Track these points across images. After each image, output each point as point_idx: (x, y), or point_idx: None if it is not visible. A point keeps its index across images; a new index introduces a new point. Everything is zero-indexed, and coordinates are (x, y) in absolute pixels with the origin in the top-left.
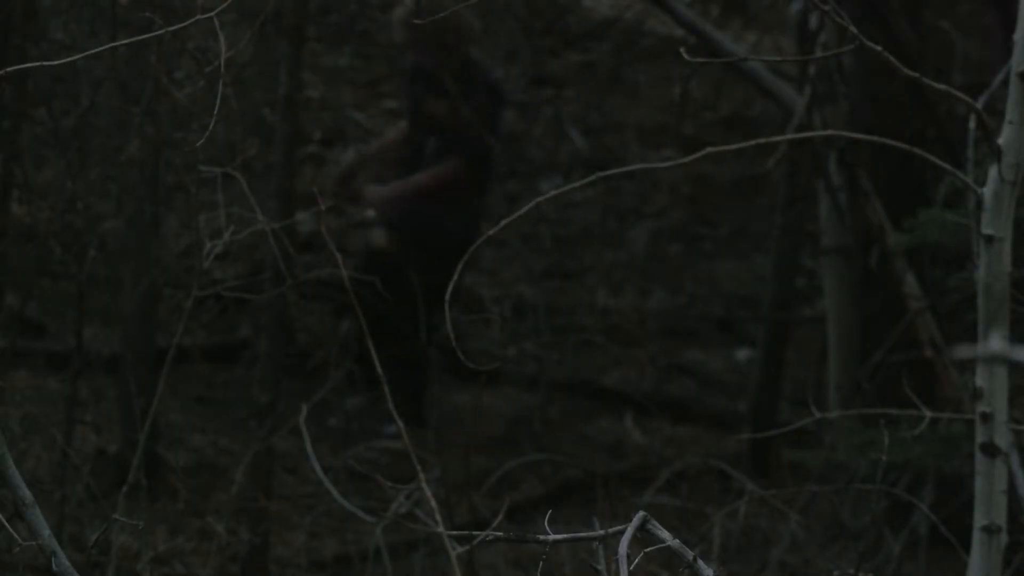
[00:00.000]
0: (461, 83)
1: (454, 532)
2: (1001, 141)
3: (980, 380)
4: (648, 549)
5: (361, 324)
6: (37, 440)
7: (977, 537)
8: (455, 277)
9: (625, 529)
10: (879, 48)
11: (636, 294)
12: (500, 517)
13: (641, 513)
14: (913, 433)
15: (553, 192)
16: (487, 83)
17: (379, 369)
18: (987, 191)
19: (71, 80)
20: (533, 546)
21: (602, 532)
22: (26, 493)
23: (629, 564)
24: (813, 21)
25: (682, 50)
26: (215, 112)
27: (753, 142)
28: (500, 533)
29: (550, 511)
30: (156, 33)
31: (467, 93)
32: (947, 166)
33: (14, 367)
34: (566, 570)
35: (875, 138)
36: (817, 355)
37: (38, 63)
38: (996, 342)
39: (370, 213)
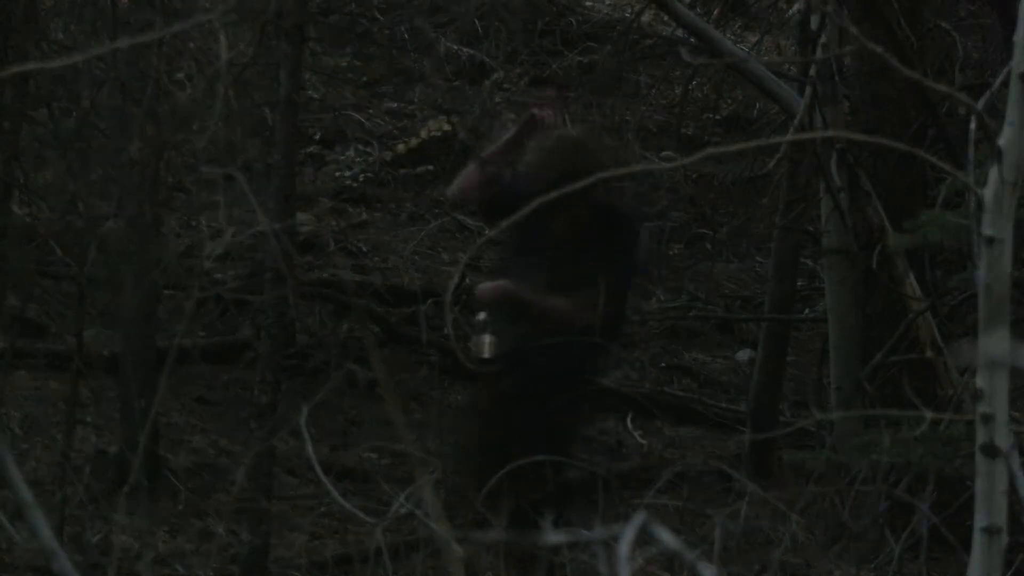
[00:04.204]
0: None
1: (455, 533)
2: (1001, 142)
3: (981, 381)
4: (649, 550)
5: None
6: (38, 441)
7: (978, 538)
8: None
9: (626, 530)
10: (879, 49)
11: (637, 295)
12: (501, 518)
13: (642, 514)
14: (914, 434)
15: (554, 194)
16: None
17: None
18: (987, 192)
19: (71, 80)
20: (534, 547)
21: (603, 533)
22: (27, 494)
23: (630, 565)
24: (814, 22)
25: (683, 51)
26: (216, 113)
27: (754, 143)
28: (501, 534)
29: (550, 512)
30: (157, 34)
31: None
32: (947, 167)
33: (14, 367)
34: (566, 571)
35: (876, 139)
36: (817, 356)
37: (38, 64)
38: (996, 344)
39: (482, 316)
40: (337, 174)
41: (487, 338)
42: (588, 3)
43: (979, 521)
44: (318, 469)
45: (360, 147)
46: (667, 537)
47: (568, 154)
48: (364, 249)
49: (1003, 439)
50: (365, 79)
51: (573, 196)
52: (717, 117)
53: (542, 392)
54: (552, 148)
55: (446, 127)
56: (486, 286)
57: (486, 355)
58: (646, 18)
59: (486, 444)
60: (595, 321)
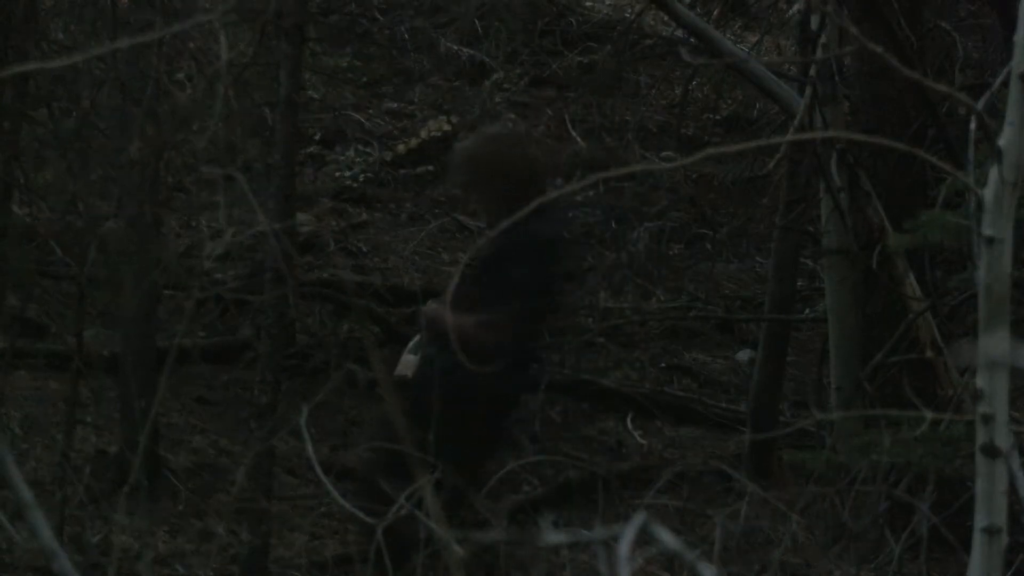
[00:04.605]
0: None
1: (455, 533)
2: (1001, 142)
3: (981, 381)
4: (649, 550)
5: None
6: (38, 441)
7: (978, 538)
8: None
9: (626, 530)
10: (879, 49)
11: (637, 295)
12: (501, 518)
13: (642, 514)
14: (914, 434)
15: (554, 194)
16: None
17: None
18: (987, 192)
19: (71, 81)
20: (534, 547)
21: (603, 533)
22: (27, 494)
23: (630, 566)
24: (814, 22)
25: (683, 51)
26: (216, 113)
27: (754, 143)
28: (501, 534)
29: (551, 513)
30: (157, 34)
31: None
32: (947, 167)
33: (14, 367)
34: (566, 571)
35: (876, 139)
36: (817, 356)
37: (38, 64)
38: (996, 344)
39: (416, 337)
40: (337, 174)
41: (412, 358)
42: (588, 3)
43: (979, 521)
44: (318, 469)
45: (360, 147)
46: (667, 537)
47: (506, 158)
48: (364, 249)
49: (1003, 439)
50: (365, 79)
51: (497, 208)
52: (717, 117)
53: (444, 410)
54: (494, 147)
55: (446, 127)
56: (424, 309)
57: (408, 375)
58: (646, 18)
59: (388, 460)
60: (504, 339)
